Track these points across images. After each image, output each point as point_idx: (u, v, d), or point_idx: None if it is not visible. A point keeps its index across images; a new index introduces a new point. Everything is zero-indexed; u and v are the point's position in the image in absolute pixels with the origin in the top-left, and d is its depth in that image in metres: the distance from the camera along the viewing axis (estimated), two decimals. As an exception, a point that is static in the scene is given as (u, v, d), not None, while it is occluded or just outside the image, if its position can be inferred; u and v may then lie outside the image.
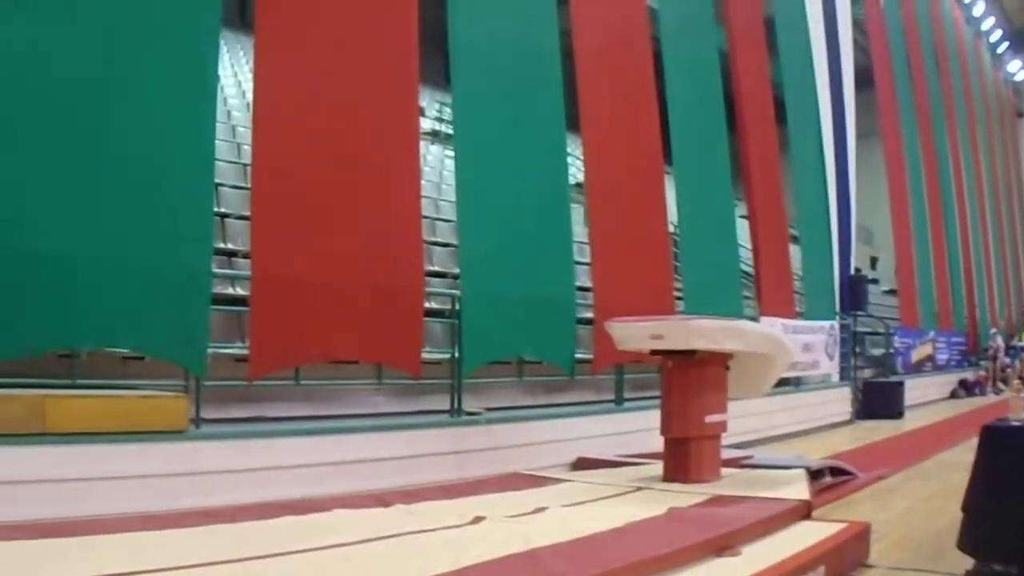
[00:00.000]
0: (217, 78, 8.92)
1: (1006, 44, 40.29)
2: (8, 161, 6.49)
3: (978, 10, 35.87)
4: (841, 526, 6.98)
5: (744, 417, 11.45)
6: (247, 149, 11.94)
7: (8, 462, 6.09)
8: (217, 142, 8.77)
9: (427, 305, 10.02)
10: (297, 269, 8.01)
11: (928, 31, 28.72)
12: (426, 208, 13.06)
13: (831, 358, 17.87)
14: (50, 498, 6.16)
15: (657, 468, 8.99)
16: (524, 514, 6.86)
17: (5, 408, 6.23)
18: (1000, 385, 27.84)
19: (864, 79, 22.52)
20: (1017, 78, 43.47)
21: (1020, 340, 32.40)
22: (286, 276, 7.93)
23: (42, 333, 6.65)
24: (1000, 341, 29.42)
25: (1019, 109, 45.38)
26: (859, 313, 20.39)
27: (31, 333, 6.57)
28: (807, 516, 7.41)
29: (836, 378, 18.68)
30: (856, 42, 21.82)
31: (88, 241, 6.77)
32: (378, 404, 9.92)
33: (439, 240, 13.79)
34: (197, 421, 7.40)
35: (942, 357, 26.53)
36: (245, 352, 8.09)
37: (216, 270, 8.70)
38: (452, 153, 12.57)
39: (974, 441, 6.19)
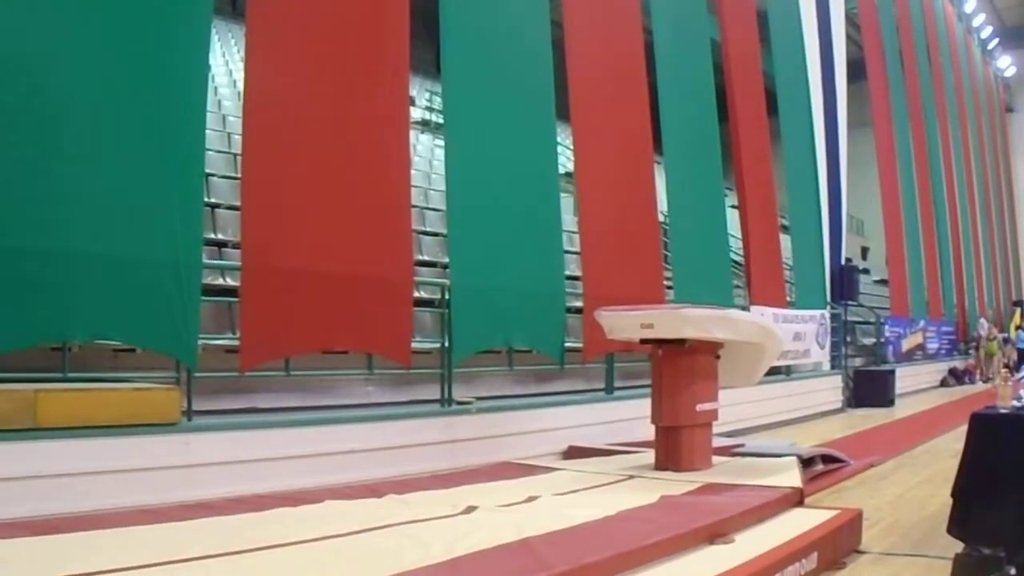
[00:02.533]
0: (208, 67, 8.89)
1: (996, 40, 40.51)
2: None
3: (969, 6, 36.07)
4: (833, 513, 7.01)
5: (735, 405, 11.48)
6: (238, 139, 11.90)
7: (-1, 458, 6.10)
8: (207, 132, 8.75)
9: (417, 295, 10.03)
10: (287, 260, 7.99)
11: (920, 26, 28.82)
12: (416, 197, 13.06)
13: (822, 347, 17.92)
14: (42, 493, 6.14)
15: (648, 456, 9.01)
16: (516, 503, 6.87)
17: (-5, 402, 6.22)
18: (988, 374, 27.92)
19: (856, 71, 22.57)
20: (1007, 74, 43.64)
21: (1008, 331, 32.42)
22: (276, 267, 7.92)
23: (33, 326, 6.62)
24: (988, 330, 29.48)
25: (1008, 104, 45.54)
26: (850, 302, 20.45)
27: (21, 326, 6.54)
28: (799, 503, 7.44)
29: (827, 367, 18.74)
30: (848, 36, 21.85)
31: (77, 233, 6.75)
32: (369, 394, 9.90)
33: (429, 230, 13.76)
34: (189, 413, 7.37)
35: (932, 346, 26.62)
36: (236, 343, 8.07)
37: (206, 261, 8.68)
38: (442, 142, 12.54)
39: (963, 429, 6.19)
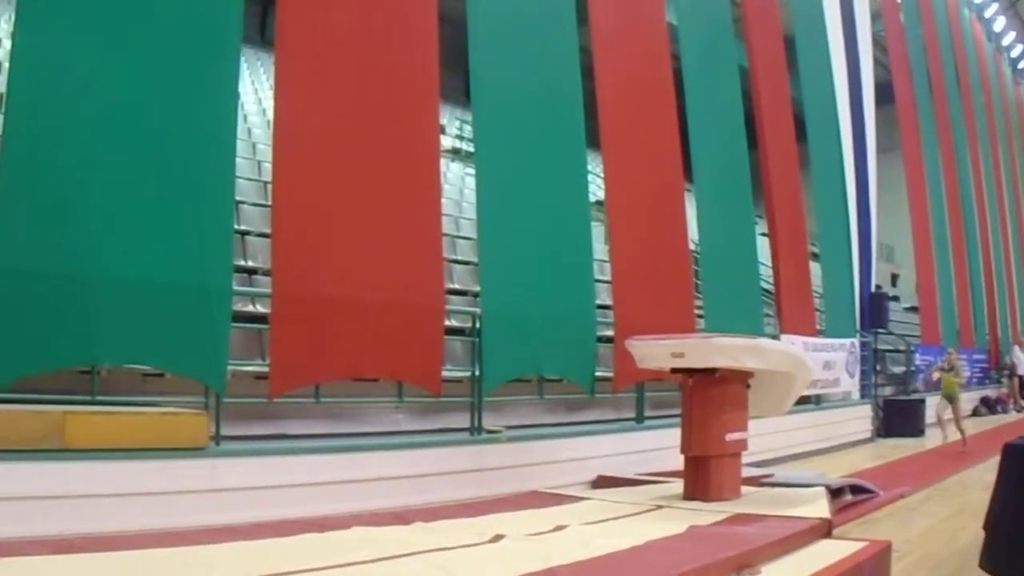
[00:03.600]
0: (237, 95, 8.95)
1: (1028, 59, 40.09)
2: (31, 182, 6.56)
3: (999, 25, 35.72)
4: (862, 544, 6.97)
5: (765, 435, 11.43)
6: (267, 167, 11.97)
7: (27, 478, 6.13)
8: (237, 159, 8.79)
9: (447, 323, 10.01)
10: (317, 287, 8.04)
11: (948, 46, 28.63)
12: (446, 226, 13.07)
13: (852, 376, 17.79)
14: (69, 514, 6.19)
15: (677, 486, 8.98)
16: (544, 532, 6.86)
17: (25, 424, 6.28)
18: (1022, 403, 27.64)
19: (884, 95, 22.48)
20: (1039, 92, 43.24)
21: None
22: (306, 294, 7.96)
23: (63, 350, 6.70)
24: (1021, 356, 29.13)
25: (1041, 124, 45.15)
26: (880, 330, 20.31)
27: (51, 350, 6.62)
28: (828, 534, 7.40)
29: (857, 396, 18.58)
30: (876, 59, 21.77)
31: (108, 259, 6.82)
32: (398, 422, 9.91)
33: (459, 258, 13.78)
34: (217, 438, 7.42)
35: (964, 374, 26.32)
36: (265, 369, 8.12)
37: (236, 288, 8.72)
38: (472, 171, 12.55)
39: (996, 460, 6.15)
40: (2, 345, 6.38)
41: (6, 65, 7.82)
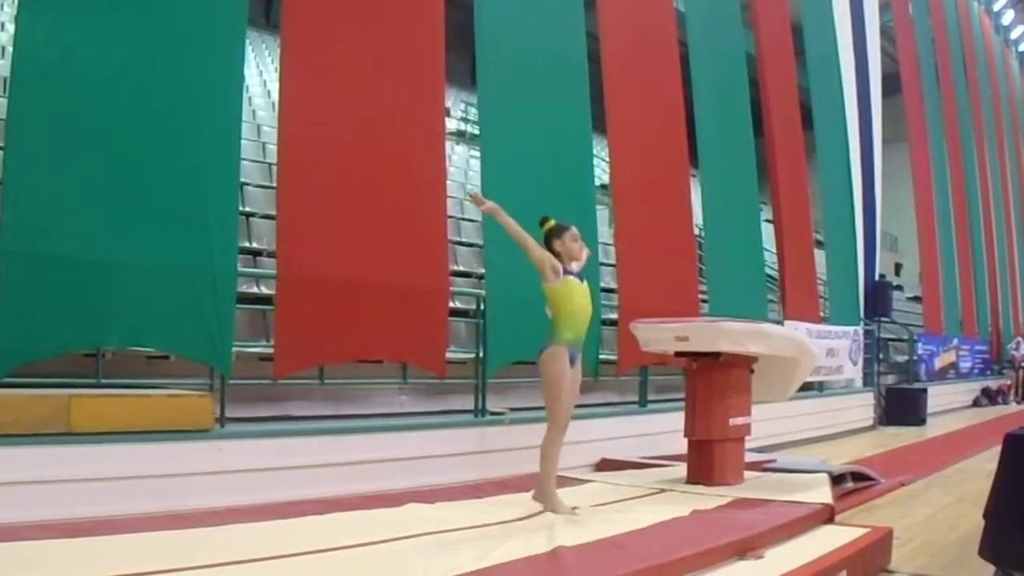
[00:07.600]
0: (243, 78, 8.93)
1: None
2: (35, 165, 6.56)
3: (1007, 19, 35.60)
4: (863, 531, 6.99)
5: (768, 421, 11.43)
6: (272, 148, 11.98)
7: (33, 462, 6.14)
8: (242, 141, 8.79)
9: (452, 305, 10.02)
10: (322, 268, 8.03)
11: (956, 38, 28.57)
12: (451, 208, 13.09)
13: (855, 363, 17.78)
14: (75, 497, 6.20)
15: (681, 470, 9.00)
16: (547, 514, 6.87)
17: (30, 408, 6.26)
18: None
19: (891, 85, 22.39)
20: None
21: None
22: (311, 275, 7.96)
23: (68, 333, 6.71)
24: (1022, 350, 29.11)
25: (1047, 116, 44.97)
26: (883, 319, 20.29)
27: (56, 333, 6.62)
28: (830, 520, 7.41)
29: (859, 384, 18.58)
30: (883, 50, 21.73)
31: (113, 241, 6.82)
32: (402, 404, 9.93)
33: (464, 240, 13.80)
34: (222, 420, 7.42)
35: (965, 365, 26.31)
36: (270, 351, 8.11)
37: (241, 269, 8.72)
38: (477, 153, 12.52)
39: (996, 449, 6.16)
40: (9, 330, 6.39)
41: (9, 49, 7.81)
